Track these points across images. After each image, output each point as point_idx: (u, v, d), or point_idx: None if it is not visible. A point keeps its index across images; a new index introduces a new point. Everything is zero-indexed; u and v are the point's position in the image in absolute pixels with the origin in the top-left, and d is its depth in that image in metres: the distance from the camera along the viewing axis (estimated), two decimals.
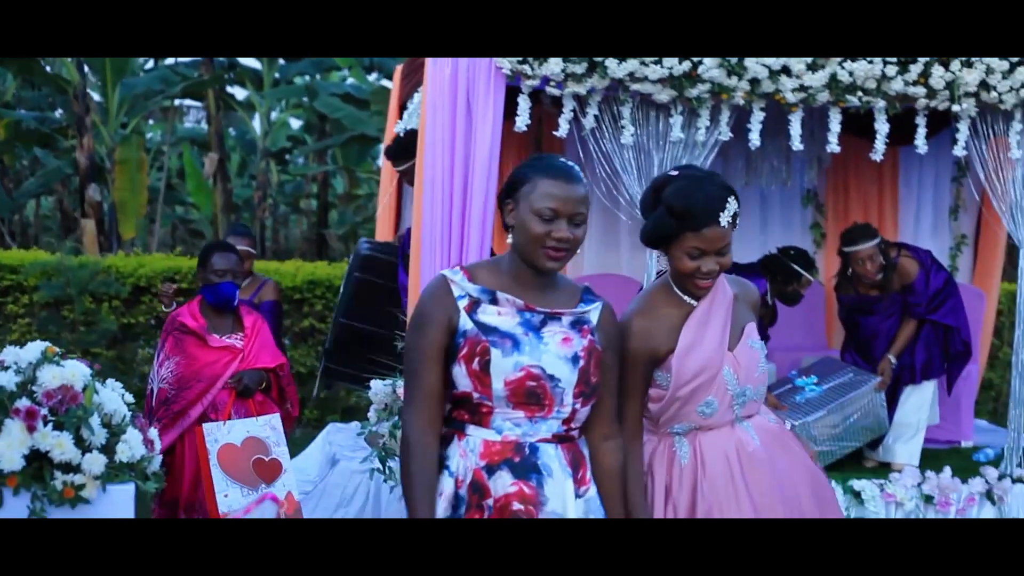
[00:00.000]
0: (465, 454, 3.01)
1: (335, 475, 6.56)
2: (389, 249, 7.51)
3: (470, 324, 2.99)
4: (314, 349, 10.26)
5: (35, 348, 3.89)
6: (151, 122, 23.24)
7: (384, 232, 8.15)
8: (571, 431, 3.08)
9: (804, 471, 3.52)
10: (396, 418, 5.77)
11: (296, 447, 5.51)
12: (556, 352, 3.01)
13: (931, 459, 6.74)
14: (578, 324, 3.09)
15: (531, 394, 2.98)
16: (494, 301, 3.03)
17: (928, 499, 6.26)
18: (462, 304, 3.01)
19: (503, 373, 2.95)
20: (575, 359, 3.03)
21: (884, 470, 6.58)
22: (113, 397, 3.90)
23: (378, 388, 6.00)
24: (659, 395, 3.38)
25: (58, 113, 18.09)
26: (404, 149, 7.15)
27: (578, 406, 3.05)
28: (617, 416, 3.22)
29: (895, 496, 6.20)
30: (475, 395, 2.99)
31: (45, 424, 3.73)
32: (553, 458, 3.02)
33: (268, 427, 5.35)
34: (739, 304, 3.47)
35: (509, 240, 3.09)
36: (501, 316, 3.02)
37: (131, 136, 15.75)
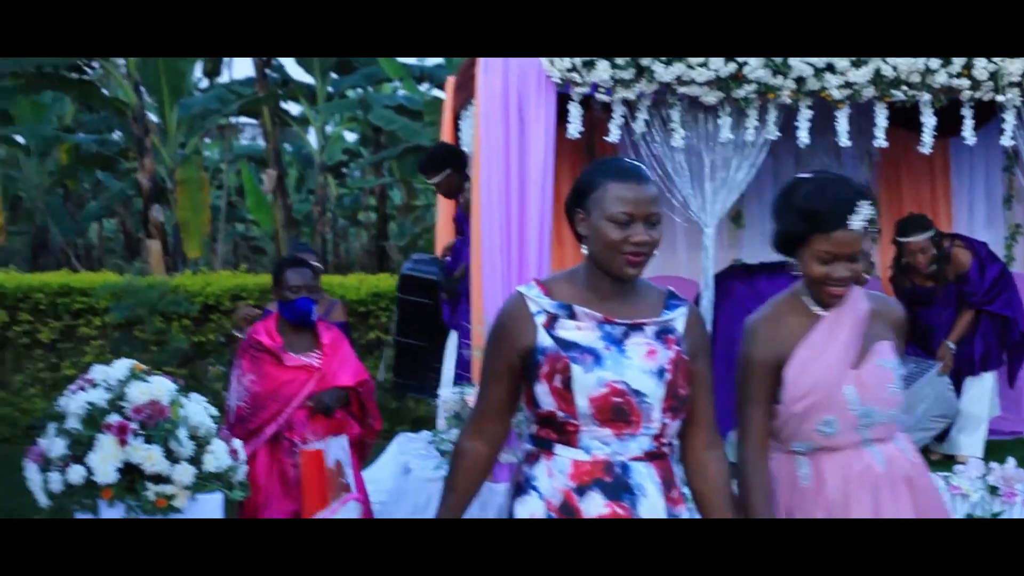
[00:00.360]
0: (552, 474, 2.88)
1: (408, 484, 6.60)
2: (432, 266, 7.57)
3: (549, 341, 2.86)
4: (379, 360, 10.40)
5: (123, 366, 4.08)
6: (207, 141, 23.51)
7: (444, 244, 8.23)
8: (662, 447, 2.93)
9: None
10: None
11: (368, 458, 5.60)
12: (640, 366, 2.86)
13: (995, 450, 6.71)
14: (663, 334, 2.93)
15: (617, 411, 2.84)
16: (572, 316, 2.89)
17: (993, 490, 6.20)
18: (540, 320, 2.89)
19: (586, 390, 2.82)
20: (661, 373, 2.87)
21: (948, 463, 6.55)
22: (198, 410, 4.07)
23: (447, 396, 6.08)
24: (776, 410, 3.24)
25: (116, 135, 18.17)
26: (435, 161, 7.24)
27: (668, 420, 2.90)
28: (716, 424, 3.05)
29: (960, 488, 6.15)
30: (559, 414, 2.86)
31: (135, 438, 3.92)
32: (646, 477, 2.88)
33: (342, 449, 5.30)
34: (875, 321, 3.26)
35: (584, 251, 2.94)
36: (581, 331, 2.87)
37: (191, 156, 15.93)
